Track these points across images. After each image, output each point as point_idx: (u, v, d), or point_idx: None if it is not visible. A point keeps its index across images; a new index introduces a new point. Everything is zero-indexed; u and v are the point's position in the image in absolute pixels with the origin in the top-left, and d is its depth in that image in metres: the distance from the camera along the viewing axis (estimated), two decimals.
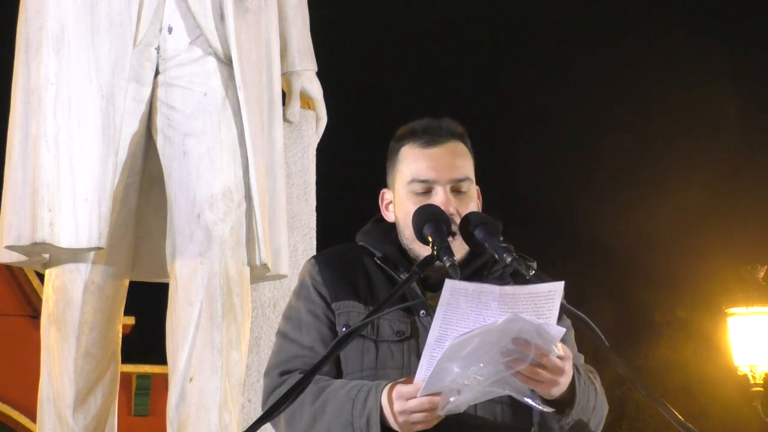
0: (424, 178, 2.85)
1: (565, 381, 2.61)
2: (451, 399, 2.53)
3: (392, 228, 2.93)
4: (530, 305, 2.51)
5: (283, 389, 2.75)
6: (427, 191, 2.85)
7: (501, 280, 2.83)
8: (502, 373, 2.52)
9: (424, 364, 2.55)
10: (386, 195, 2.96)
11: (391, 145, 2.96)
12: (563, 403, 2.67)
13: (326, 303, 2.85)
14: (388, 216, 2.95)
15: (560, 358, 2.58)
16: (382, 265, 2.87)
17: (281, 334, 2.89)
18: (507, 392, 2.57)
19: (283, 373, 2.81)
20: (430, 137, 2.88)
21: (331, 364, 2.79)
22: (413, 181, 2.86)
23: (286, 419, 2.75)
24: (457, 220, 2.80)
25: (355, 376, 2.77)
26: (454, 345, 2.47)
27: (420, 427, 2.61)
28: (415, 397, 2.57)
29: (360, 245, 2.94)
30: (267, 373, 2.86)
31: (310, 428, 2.72)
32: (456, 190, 2.85)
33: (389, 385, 2.64)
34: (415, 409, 2.57)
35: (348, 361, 2.80)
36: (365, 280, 2.87)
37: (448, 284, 2.52)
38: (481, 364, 2.49)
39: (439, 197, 2.83)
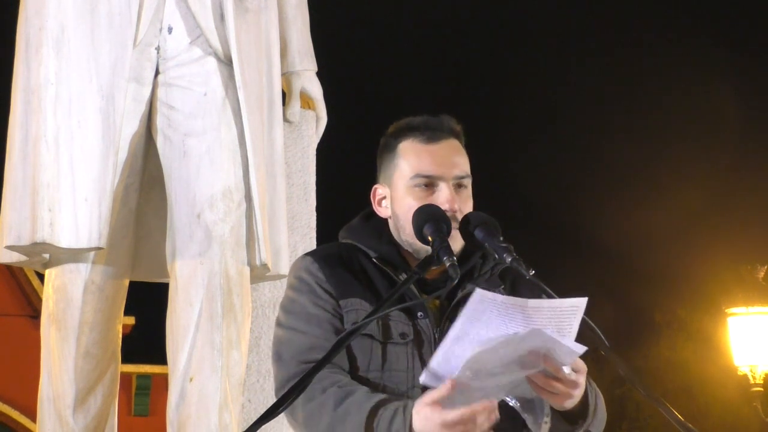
0: (429, 173, 2.83)
1: (578, 394, 2.62)
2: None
3: (384, 225, 2.91)
4: (554, 319, 2.51)
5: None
6: (430, 187, 2.83)
7: (490, 283, 2.83)
8: (516, 381, 2.53)
9: (434, 362, 2.53)
10: (379, 190, 2.93)
11: (385, 141, 2.93)
12: (575, 415, 2.68)
13: (334, 299, 2.82)
14: (381, 212, 2.92)
15: (575, 371, 2.57)
16: (380, 265, 2.85)
17: (289, 328, 2.83)
18: (514, 404, 2.58)
19: (302, 363, 2.74)
20: (432, 133, 2.86)
21: (343, 358, 2.76)
22: (417, 176, 2.84)
23: (305, 416, 2.71)
24: (459, 217, 2.79)
25: (361, 375, 2.76)
26: (472, 358, 2.46)
27: None
28: (447, 410, 2.51)
29: (349, 243, 2.91)
30: (284, 364, 2.79)
31: None
32: (458, 186, 2.84)
33: (415, 406, 2.57)
34: (457, 421, 2.51)
35: (354, 361, 2.78)
36: (365, 279, 2.85)
37: (478, 293, 2.49)
38: (495, 374, 2.50)
39: (444, 193, 2.81)
